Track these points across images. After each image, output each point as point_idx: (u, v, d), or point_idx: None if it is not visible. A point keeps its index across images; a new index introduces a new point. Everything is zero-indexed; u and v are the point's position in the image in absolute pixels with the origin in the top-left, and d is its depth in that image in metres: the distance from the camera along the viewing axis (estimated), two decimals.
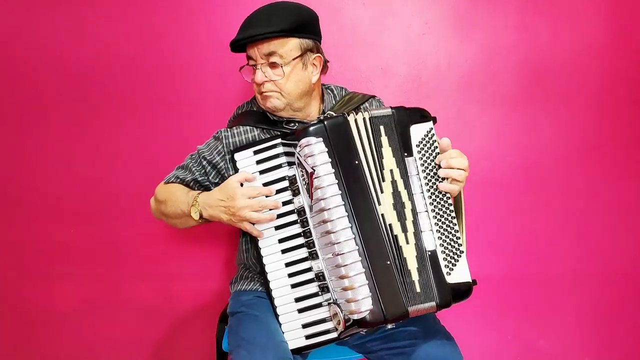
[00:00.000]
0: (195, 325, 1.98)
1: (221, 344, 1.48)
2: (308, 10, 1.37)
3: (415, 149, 1.25)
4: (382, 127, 1.24)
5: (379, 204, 1.19)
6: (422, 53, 1.88)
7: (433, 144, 1.27)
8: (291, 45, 1.30)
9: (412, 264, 1.20)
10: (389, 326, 1.18)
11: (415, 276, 1.20)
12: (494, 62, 1.88)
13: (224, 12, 1.85)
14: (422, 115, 1.28)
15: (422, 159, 1.25)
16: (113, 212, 1.94)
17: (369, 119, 1.24)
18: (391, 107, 1.27)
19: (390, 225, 1.19)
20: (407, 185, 1.24)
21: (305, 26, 1.32)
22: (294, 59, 1.30)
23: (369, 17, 1.86)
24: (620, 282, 1.97)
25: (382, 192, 1.20)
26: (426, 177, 1.25)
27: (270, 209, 1.24)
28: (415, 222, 1.23)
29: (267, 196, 1.25)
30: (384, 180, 1.21)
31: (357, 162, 1.20)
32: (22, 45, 1.88)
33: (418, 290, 1.19)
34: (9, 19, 1.87)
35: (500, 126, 1.90)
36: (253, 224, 1.26)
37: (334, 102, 1.45)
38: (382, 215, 1.19)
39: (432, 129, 1.28)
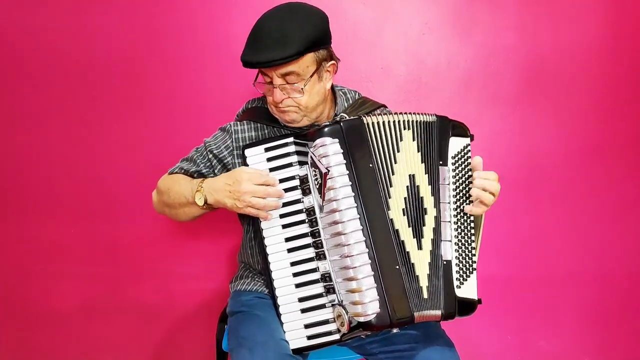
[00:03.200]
0: (196, 325, 1.98)
1: (221, 344, 1.48)
2: (320, 17, 1.30)
3: (450, 160, 1.26)
4: (405, 132, 1.24)
5: (389, 208, 1.19)
6: (422, 53, 1.88)
7: (467, 160, 1.27)
8: (308, 62, 1.26)
9: (422, 270, 1.20)
10: (394, 330, 1.18)
11: (424, 282, 1.20)
12: (494, 62, 1.88)
13: (226, 8, 1.85)
14: (462, 130, 1.29)
15: (455, 171, 1.26)
16: (113, 212, 1.94)
17: (394, 122, 1.23)
18: (436, 115, 1.27)
19: (397, 230, 1.19)
20: (436, 193, 1.24)
21: (320, 38, 1.27)
22: (311, 76, 1.27)
23: (369, 17, 1.86)
24: (620, 282, 1.98)
25: (390, 197, 1.20)
26: (455, 190, 1.25)
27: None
28: (437, 230, 1.23)
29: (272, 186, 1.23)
30: (391, 186, 1.20)
31: (370, 165, 1.19)
32: (22, 45, 1.88)
33: (425, 296, 1.19)
34: (9, 17, 1.87)
35: (500, 126, 1.90)
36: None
37: (345, 104, 1.43)
38: (391, 220, 1.19)
39: (469, 145, 1.29)
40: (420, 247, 1.21)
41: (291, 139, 1.25)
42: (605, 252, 1.96)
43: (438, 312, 1.20)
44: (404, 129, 1.24)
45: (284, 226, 1.25)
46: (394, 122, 1.24)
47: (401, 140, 1.24)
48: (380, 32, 1.87)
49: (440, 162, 1.25)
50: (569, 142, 1.91)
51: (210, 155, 1.38)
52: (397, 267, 1.17)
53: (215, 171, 1.38)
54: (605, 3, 1.86)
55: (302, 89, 1.26)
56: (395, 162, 1.22)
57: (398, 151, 1.23)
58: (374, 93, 1.86)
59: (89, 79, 1.88)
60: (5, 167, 1.94)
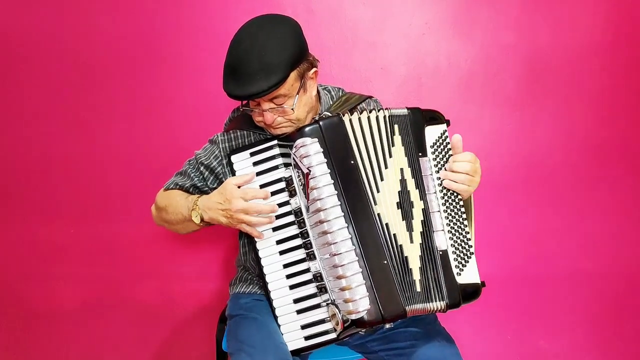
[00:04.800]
0: (195, 326, 1.98)
1: (221, 345, 1.48)
2: (294, 32, 1.25)
3: (429, 150, 1.26)
4: (396, 126, 1.24)
5: (375, 203, 1.19)
6: (422, 53, 1.88)
7: (446, 145, 1.27)
8: (292, 80, 1.24)
9: (415, 263, 1.20)
10: (387, 326, 1.17)
11: (416, 275, 1.20)
12: (494, 62, 1.88)
13: (224, 11, 1.85)
14: (436, 117, 1.29)
15: (435, 159, 1.26)
16: (113, 212, 1.94)
17: (384, 117, 1.24)
18: (407, 108, 1.27)
19: (387, 224, 1.19)
20: (420, 185, 1.24)
21: (299, 54, 1.24)
22: (297, 92, 1.26)
23: (369, 17, 1.86)
24: (620, 282, 1.97)
25: (378, 191, 1.20)
26: (439, 178, 1.25)
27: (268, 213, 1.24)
28: (427, 222, 1.23)
29: (264, 199, 1.24)
30: (382, 180, 1.21)
31: (352, 162, 1.19)
32: (20, 45, 1.89)
33: (418, 289, 1.19)
34: (9, 17, 1.87)
35: (501, 126, 1.90)
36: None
37: (330, 102, 1.43)
38: (379, 214, 1.19)
39: (445, 131, 1.29)
40: (412, 241, 1.22)
41: (275, 142, 1.25)
42: (606, 252, 1.96)
43: (437, 305, 1.20)
44: (395, 123, 1.25)
45: (274, 229, 1.25)
46: (383, 117, 1.24)
47: (393, 134, 1.24)
48: (380, 32, 1.87)
49: (420, 154, 1.25)
50: (568, 142, 1.91)
51: (202, 168, 1.39)
52: (385, 262, 1.17)
53: (208, 183, 1.40)
54: (605, 3, 1.85)
55: (292, 109, 1.26)
56: (390, 156, 1.23)
57: (393, 145, 1.23)
58: (373, 93, 1.85)
59: (89, 81, 1.89)
60: (5, 167, 1.94)
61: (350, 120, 1.22)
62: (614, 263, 1.96)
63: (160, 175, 1.53)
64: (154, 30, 1.86)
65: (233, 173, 1.27)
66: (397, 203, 1.21)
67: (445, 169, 1.25)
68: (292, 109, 1.26)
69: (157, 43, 1.86)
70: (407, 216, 1.22)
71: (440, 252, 1.22)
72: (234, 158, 1.27)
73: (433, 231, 1.23)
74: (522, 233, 1.94)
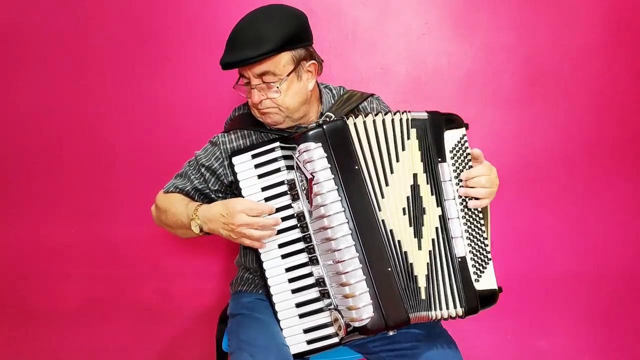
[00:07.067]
0: (195, 326, 1.98)
1: (221, 345, 1.48)
2: (296, 16, 1.28)
3: (448, 155, 1.24)
4: (413, 130, 1.23)
5: (380, 209, 1.18)
6: (422, 53, 1.88)
7: (465, 150, 1.25)
8: (284, 61, 1.25)
9: (420, 271, 1.20)
10: (391, 333, 1.17)
11: (422, 283, 1.19)
12: (494, 62, 1.88)
13: (225, 10, 1.84)
14: (455, 121, 1.27)
15: (454, 164, 1.24)
16: (113, 212, 1.94)
17: (392, 120, 1.22)
18: (427, 111, 1.25)
19: (391, 230, 1.18)
20: (436, 192, 1.23)
21: (296, 36, 1.25)
22: (288, 75, 1.26)
23: (369, 17, 1.86)
24: (620, 281, 1.97)
25: (383, 197, 1.19)
26: (458, 184, 1.24)
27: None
28: (444, 229, 1.22)
29: (269, 214, 1.23)
30: (387, 185, 1.20)
31: (357, 167, 1.18)
32: (25, 41, 1.89)
33: (423, 297, 1.19)
34: (10, 14, 1.87)
35: (501, 126, 1.90)
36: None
37: (332, 101, 1.42)
38: (383, 221, 1.18)
39: (464, 135, 1.27)
40: (420, 248, 1.21)
41: (277, 144, 1.23)
42: (605, 252, 1.96)
43: (452, 312, 1.20)
44: (411, 127, 1.23)
45: (277, 232, 1.23)
46: (400, 120, 1.22)
47: (408, 138, 1.23)
48: (380, 32, 1.87)
49: (439, 159, 1.23)
50: (568, 142, 1.91)
51: (203, 169, 1.37)
52: (389, 269, 1.16)
53: (209, 184, 1.38)
54: (605, 3, 1.85)
55: (277, 87, 1.26)
56: (398, 161, 1.21)
57: (403, 149, 1.22)
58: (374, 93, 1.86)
59: (88, 80, 1.89)
60: (5, 167, 1.94)
61: (355, 124, 1.20)
62: (613, 262, 1.97)
63: (161, 175, 1.53)
64: (156, 30, 1.86)
65: (234, 175, 1.26)
66: (404, 209, 1.20)
67: (462, 185, 1.23)
68: (278, 89, 1.26)
69: (159, 43, 1.86)
70: (416, 223, 1.21)
71: (459, 259, 1.22)
72: (235, 160, 1.26)
73: (452, 238, 1.22)
74: (522, 233, 1.94)
